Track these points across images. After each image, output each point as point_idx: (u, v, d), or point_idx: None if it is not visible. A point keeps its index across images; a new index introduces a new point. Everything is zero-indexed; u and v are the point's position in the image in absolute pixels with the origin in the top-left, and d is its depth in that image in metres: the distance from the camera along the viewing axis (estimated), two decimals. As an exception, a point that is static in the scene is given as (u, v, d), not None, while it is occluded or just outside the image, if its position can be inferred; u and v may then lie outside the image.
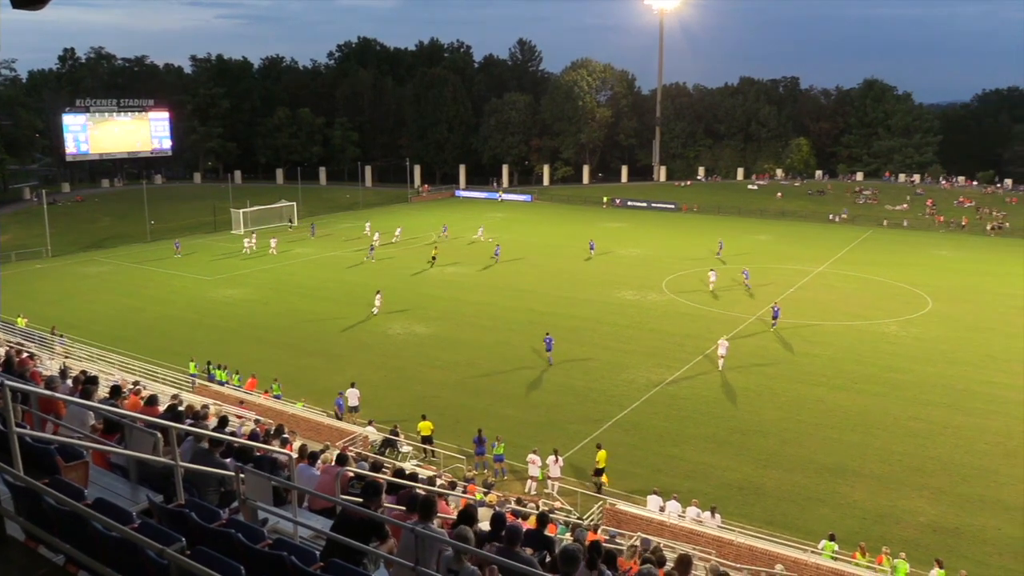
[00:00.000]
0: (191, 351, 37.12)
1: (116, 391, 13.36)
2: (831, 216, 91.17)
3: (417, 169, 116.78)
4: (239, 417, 24.63)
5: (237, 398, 29.59)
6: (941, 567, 19.80)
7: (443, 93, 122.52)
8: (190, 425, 11.15)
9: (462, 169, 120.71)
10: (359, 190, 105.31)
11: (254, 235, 70.11)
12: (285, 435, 16.92)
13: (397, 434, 27.65)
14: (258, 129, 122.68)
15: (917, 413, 32.23)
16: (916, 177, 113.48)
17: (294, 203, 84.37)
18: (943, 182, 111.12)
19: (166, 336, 42.89)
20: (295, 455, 11.23)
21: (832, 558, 20.43)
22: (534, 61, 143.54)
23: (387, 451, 26.59)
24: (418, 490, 11.23)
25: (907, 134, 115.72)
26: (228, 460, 9.63)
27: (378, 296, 46.81)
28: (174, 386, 29.57)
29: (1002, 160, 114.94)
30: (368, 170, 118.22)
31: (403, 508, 9.68)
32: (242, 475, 8.38)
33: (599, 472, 25.66)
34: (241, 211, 78.72)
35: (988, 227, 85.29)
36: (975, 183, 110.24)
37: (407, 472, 16.47)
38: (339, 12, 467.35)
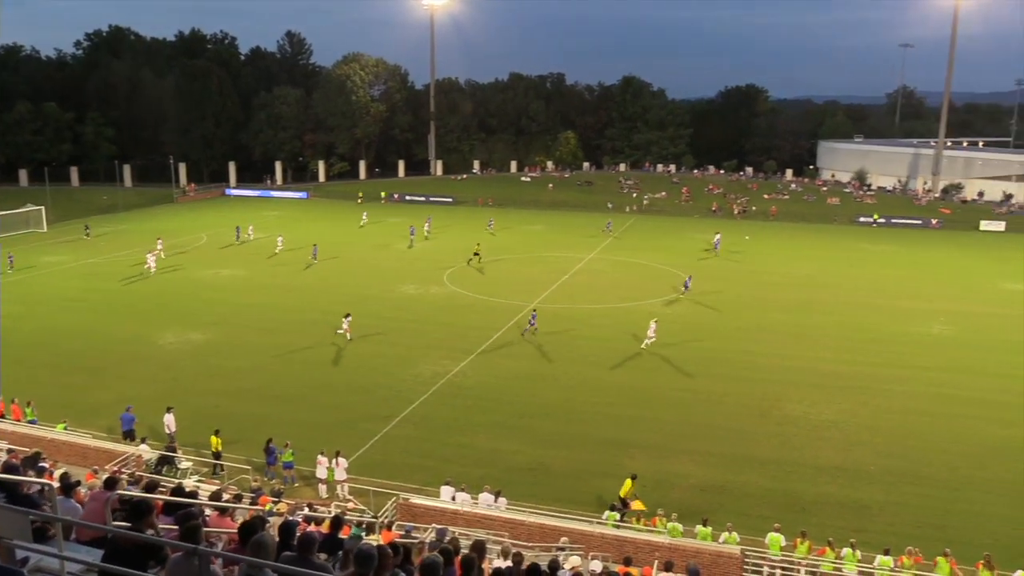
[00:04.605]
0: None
1: None
2: (610, 205, 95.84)
3: (183, 167, 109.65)
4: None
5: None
6: (705, 526, 21.68)
7: (208, 86, 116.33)
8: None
9: (232, 166, 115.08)
10: (118, 191, 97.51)
11: (280, 239, 64.23)
12: (42, 463, 15.42)
13: (174, 450, 26.02)
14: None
15: (683, 384, 35.13)
16: (672, 167, 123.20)
17: (42, 207, 76.14)
18: (696, 171, 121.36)
19: None
20: (56, 484, 10.27)
21: (615, 527, 21.76)
22: (304, 54, 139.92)
23: (164, 469, 24.95)
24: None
25: (662, 127, 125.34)
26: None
27: (346, 320, 40.72)
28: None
29: (744, 150, 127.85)
30: (127, 169, 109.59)
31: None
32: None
33: (625, 503, 23.93)
34: (-23, 218, 70.26)
35: (735, 211, 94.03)
36: (722, 171, 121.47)
37: (187, 489, 15.55)
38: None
